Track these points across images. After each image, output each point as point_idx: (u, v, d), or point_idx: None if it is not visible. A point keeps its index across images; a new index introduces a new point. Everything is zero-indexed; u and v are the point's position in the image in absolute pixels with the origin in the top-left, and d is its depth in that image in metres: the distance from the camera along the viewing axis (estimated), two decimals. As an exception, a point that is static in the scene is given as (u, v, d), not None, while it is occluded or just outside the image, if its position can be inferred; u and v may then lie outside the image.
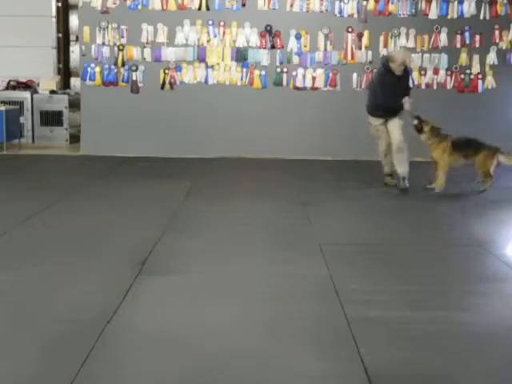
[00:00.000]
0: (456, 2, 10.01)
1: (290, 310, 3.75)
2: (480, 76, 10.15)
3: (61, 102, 11.11)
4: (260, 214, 6.24)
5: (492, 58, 10.11)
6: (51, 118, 11.09)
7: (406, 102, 7.35)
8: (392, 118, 7.51)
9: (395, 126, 7.49)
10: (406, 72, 7.64)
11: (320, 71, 10.08)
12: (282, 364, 3.07)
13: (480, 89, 10.18)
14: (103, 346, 3.19)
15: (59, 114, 11.10)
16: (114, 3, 9.94)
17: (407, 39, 10.04)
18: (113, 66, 10.08)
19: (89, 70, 10.07)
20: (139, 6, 9.94)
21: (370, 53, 10.05)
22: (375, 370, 3.00)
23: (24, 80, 11.54)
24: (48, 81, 11.37)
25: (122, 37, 10.00)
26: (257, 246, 5.10)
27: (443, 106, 10.03)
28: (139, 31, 9.97)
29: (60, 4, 12.12)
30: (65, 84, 12.20)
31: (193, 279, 4.27)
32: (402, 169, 7.45)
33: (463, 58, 10.11)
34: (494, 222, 6.15)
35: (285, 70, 10.08)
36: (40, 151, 10.35)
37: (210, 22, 9.98)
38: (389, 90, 7.31)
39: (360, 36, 10.02)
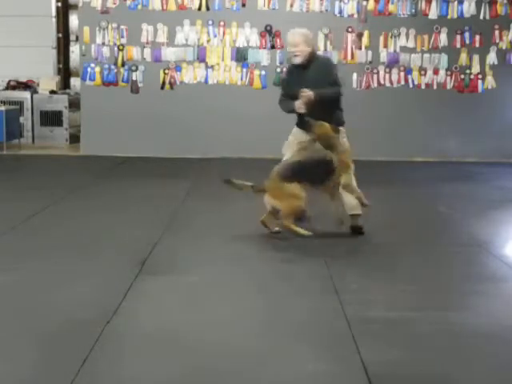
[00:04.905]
0: (456, 2, 10.00)
1: (289, 310, 3.74)
2: (480, 76, 10.14)
3: (61, 102, 11.10)
4: (260, 213, 6.23)
5: (492, 58, 10.10)
6: (51, 118, 11.07)
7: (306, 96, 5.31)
8: None
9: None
10: (317, 64, 5.54)
11: (320, 71, 10.07)
12: (281, 363, 3.06)
13: (480, 89, 10.16)
14: (103, 346, 3.19)
15: (59, 114, 11.08)
16: (114, 3, 9.95)
17: (407, 39, 10.04)
18: (113, 66, 10.08)
19: (89, 69, 10.07)
20: (139, 6, 9.94)
21: (369, 53, 10.04)
22: (375, 369, 2.99)
23: (24, 80, 11.53)
24: (48, 81, 11.36)
25: (122, 37, 10.00)
26: (256, 246, 5.10)
27: (443, 106, 10.05)
28: (139, 31, 9.97)
29: (60, 4, 12.12)
30: (65, 84, 12.20)
31: (193, 279, 4.27)
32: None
33: (463, 58, 10.10)
34: (493, 222, 6.15)
35: (285, 70, 10.05)
36: (40, 151, 10.34)
37: (210, 22, 9.98)
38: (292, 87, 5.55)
39: (360, 36, 10.02)
